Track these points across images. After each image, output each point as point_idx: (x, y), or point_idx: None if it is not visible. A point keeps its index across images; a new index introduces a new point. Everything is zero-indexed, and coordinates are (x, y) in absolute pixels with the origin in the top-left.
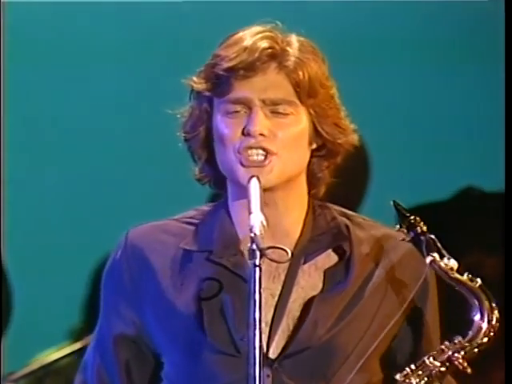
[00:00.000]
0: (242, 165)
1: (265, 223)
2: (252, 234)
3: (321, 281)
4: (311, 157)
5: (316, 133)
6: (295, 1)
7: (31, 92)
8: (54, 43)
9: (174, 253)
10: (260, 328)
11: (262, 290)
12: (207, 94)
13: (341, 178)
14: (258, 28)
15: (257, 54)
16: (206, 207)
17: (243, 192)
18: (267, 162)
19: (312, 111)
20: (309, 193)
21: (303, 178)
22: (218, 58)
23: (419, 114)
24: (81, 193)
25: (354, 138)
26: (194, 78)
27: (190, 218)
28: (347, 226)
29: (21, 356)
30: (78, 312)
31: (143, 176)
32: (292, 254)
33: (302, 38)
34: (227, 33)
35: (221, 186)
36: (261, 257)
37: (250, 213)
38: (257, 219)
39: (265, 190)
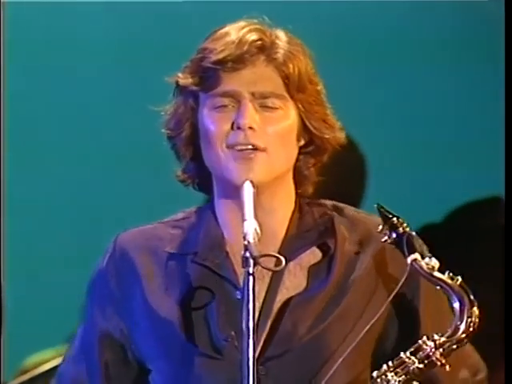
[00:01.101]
0: (231, 160)
1: (258, 230)
2: (246, 242)
3: (305, 279)
4: (298, 154)
5: (304, 128)
6: (295, 1)
7: (31, 92)
8: (54, 43)
9: (159, 258)
10: (254, 337)
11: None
12: (194, 88)
13: (337, 185)
14: (244, 22)
15: (246, 47)
16: (194, 209)
17: (230, 190)
18: (256, 157)
19: (300, 106)
20: (296, 192)
21: (290, 176)
22: (206, 51)
23: (419, 114)
24: (81, 195)
25: (342, 136)
26: (180, 74)
27: (177, 220)
28: (332, 222)
29: (15, 359)
30: (76, 315)
31: (144, 176)
32: (284, 257)
33: (288, 33)
34: None
35: (205, 187)
36: (254, 265)
37: (243, 220)
38: (250, 226)
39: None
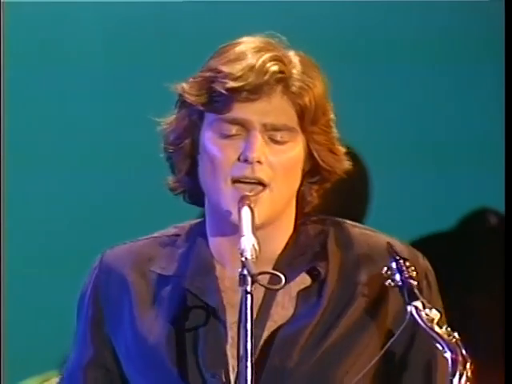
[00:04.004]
0: (233, 199)
1: (257, 247)
2: (243, 259)
3: (293, 308)
4: (303, 179)
5: (310, 157)
6: (294, 1)
7: (31, 92)
8: (54, 43)
9: (147, 278)
10: (252, 360)
11: (232, 325)
12: (200, 107)
13: (340, 196)
14: (259, 42)
15: (266, 77)
16: (186, 225)
17: (223, 216)
18: (258, 196)
19: (310, 138)
20: (296, 214)
21: (293, 203)
22: (220, 73)
23: (418, 114)
24: (81, 198)
25: (347, 163)
26: (185, 87)
27: (169, 236)
28: (325, 242)
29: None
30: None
31: (145, 178)
32: (269, 281)
33: (301, 54)
34: (227, 34)
35: (196, 200)
36: (252, 283)
37: (241, 235)
38: (248, 242)
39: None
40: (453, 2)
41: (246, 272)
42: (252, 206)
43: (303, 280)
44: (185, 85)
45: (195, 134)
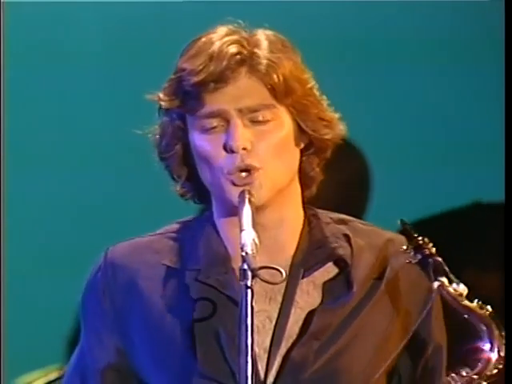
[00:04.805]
0: (233, 184)
1: (257, 241)
2: (243, 253)
3: (320, 297)
4: (301, 156)
5: (301, 131)
6: (294, 1)
7: (31, 92)
8: (54, 43)
9: (159, 272)
10: (252, 355)
11: (256, 313)
12: (177, 110)
13: (342, 187)
14: (223, 31)
15: (225, 63)
16: (188, 220)
17: (231, 209)
18: (253, 178)
19: (293, 110)
20: (302, 195)
21: (296, 183)
22: (184, 71)
23: (417, 114)
24: (81, 198)
25: (341, 130)
26: (161, 95)
27: (173, 232)
28: (347, 236)
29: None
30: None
31: (145, 178)
32: (289, 271)
33: (269, 32)
34: None
35: (206, 200)
36: (253, 277)
37: (241, 230)
38: (248, 237)
39: (257, 208)
40: (453, 2)
41: (246, 266)
42: (252, 199)
43: (328, 271)
44: (160, 93)
45: (184, 138)
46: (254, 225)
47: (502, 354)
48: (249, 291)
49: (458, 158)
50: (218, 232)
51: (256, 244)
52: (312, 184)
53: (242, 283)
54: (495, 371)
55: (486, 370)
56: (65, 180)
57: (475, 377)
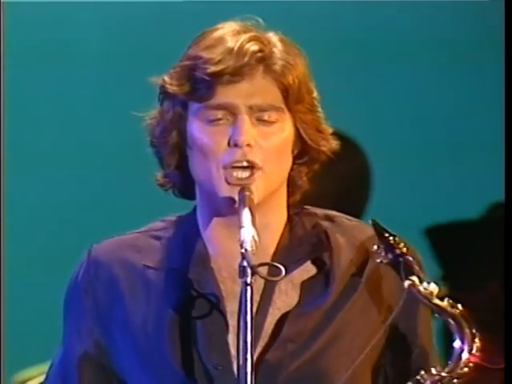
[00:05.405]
0: (226, 182)
1: (257, 238)
2: (243, 250)
3: (298, 296)
4: (292, 164)
5: (298, 138)
6: (294, 1)
7: (31, 92)
8: (54, 43)
9: (140, 272)
10: (252, 352)
11: (234, 314)
12: (183, 97)
13: (342, 187)
14: (237, 26)
15: (246, 59)
16: (173, 218)
17: (218, 205)
18: (252, 179)
19: (297, 116)
20: (288, 201)
21: (284, 188)
22: (200, 59)
23: (417, 114)
24: (80, 198)
25: (335, 143)
26: (166, 79)
27: (157, 230)
28: (326, 233)
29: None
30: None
31: (147, 179)
32: (268, 270)
33: (281, 37)
34: None
35: (186, 194)
36: (252, 274)
37: (240, 227)
38: (248, 234)
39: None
40: (453, 2)
41: (245, 263)
42: (252, 196)
43: (307, 270)
44: (165, 77)
45: (181, 126)
46: (254, 222)
47: (473, 352)
48: (248, 288)
49: (458, 157)
50: (199, 231)
51: (255, 241)
52: (297, 192)
53: (242, 280)
54: (466, 369)
55: (457, 368)
56: (64, 180)
57: (445, 375)
